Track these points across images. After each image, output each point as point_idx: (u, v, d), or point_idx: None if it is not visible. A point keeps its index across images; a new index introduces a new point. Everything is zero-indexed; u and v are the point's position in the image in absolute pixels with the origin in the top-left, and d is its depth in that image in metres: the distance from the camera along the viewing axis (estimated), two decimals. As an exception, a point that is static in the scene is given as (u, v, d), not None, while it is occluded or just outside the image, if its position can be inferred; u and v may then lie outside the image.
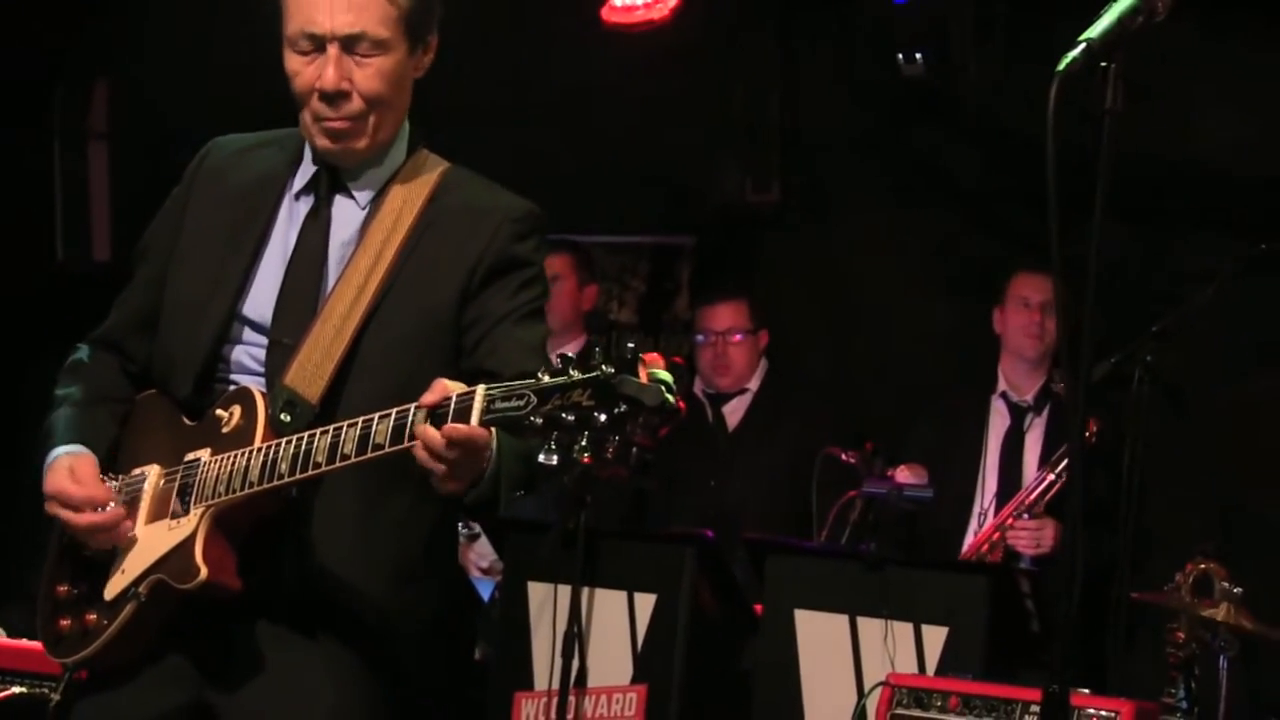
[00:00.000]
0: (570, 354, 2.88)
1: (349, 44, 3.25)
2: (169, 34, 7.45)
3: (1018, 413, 6.49)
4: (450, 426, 2.91)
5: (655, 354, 2.86)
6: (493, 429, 2.95)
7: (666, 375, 2.85)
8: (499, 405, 2.88)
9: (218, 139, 3.56)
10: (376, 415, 3.03)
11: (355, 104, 3.28)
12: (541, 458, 2.85)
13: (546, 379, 2.85)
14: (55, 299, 7.33)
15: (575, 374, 2.83)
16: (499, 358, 3.22)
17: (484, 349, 3.27)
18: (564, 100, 7.62)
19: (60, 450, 3.34)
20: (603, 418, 2.81)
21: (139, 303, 3.50)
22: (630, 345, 2.84)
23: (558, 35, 7.54)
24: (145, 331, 3.46)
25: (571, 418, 2.81)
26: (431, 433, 2.92)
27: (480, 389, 2.91)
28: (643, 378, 2.81)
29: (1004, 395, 6.52)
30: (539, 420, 2.83)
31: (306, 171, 3.41)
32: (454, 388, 2.95)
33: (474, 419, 2.90)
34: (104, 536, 3.29)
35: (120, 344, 3.51)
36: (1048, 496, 6.12)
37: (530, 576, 6.00)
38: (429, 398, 2.95)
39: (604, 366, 2.82)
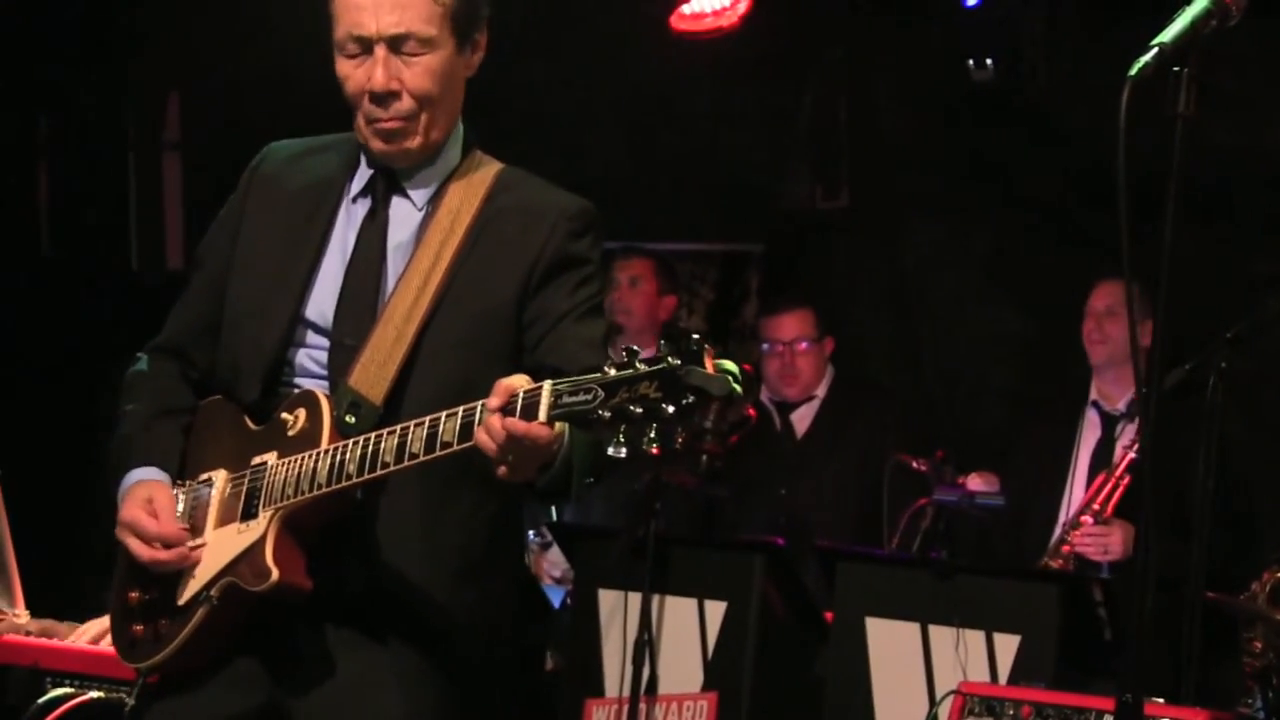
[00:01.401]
0: (633, 346, 2.89)
1: (396, 44, 3.28)
2: (240, 45, 7.50)
3: (1109, 422, 6.44)
4: (509, 421, 2.91)
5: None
6: None
7: (733, 366, 2.86)
8: (566, 400, 2.89)
9: (272, 144, 3.58)
10: (444, 414, 3.04)
11: (406, 103, 3.30)
12: (610, 450, 2.86)
13: (613, 372, 2.86)
14: (130, 308, 7.40)
15: (641, 366, 2.84)
16: (561, 354, 3.23)
17: (546, 346, 3.28)
18: (632, 107, 7.63)
19: (136, 475, 3.37)
20: (671, 409, 2.81)
21: (199, 309, 3.51)
22: (695, 336, 2.84)
23: (627, 42, 7.54)
24: (207, 338, 3.48)
25: (640, 410, 2.82)
26: (495, 423, 2.93)
27: (547, 384, 2.92)
28: (709, 368, 2.82)
29: (1095, 404, 6.48)
30: (607, 414, 2.84)
31: (363, 175, 3.43)
32: (519, 383, 2.95)
33: (541, 414, 2.90)
34: (169, 570, 3.32)
35: (182, 351, 3.52)
36: (1114, 500, 6.08)
37: (601, 584, 6.01)
38: (493, 401, 2.95)
39: (670, 358, 2.82)
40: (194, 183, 8.18)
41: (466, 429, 3.00)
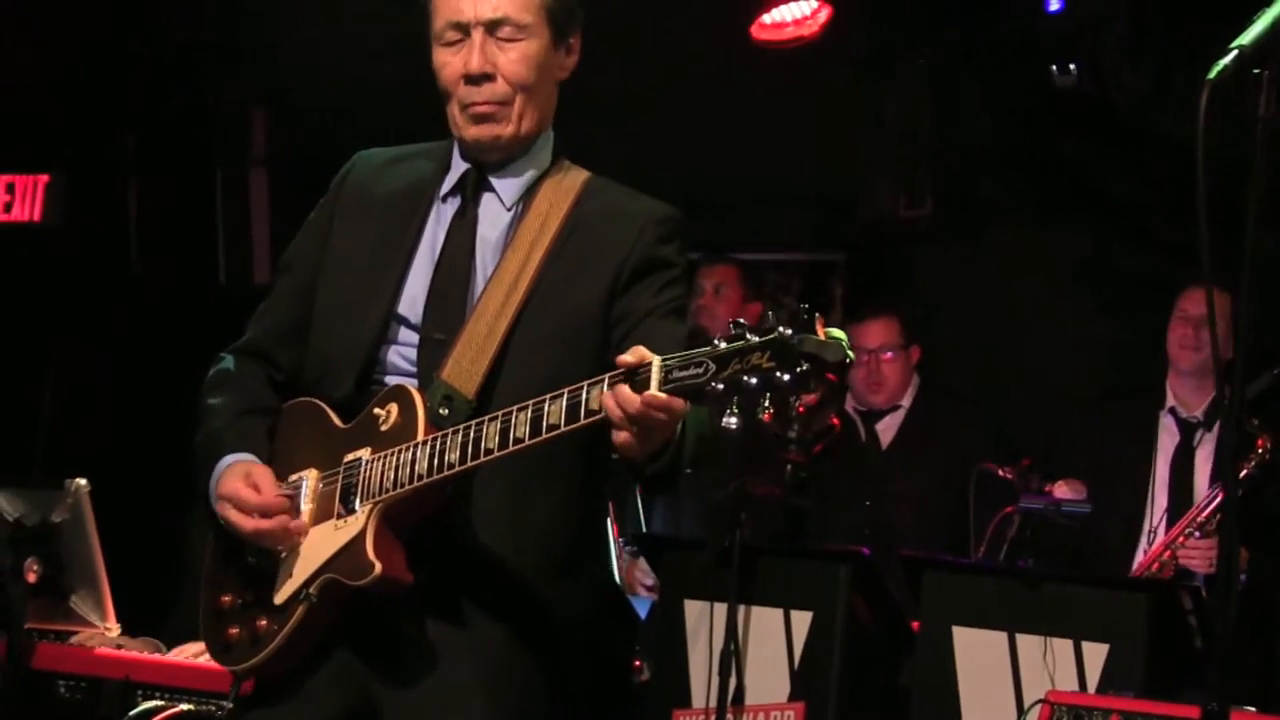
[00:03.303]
0: (740, 319, 2.90)
1: (493, 28, 3.35)
2: (325, 61, 7.56)
3: (1187, 429, 6.39)
4: (649, 394, 2.91)
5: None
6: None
7: (842, 334, 2.87)
8: (677, 374, 2.90)
9: (362, 152, 3.63)
10: (548, 397, 3.05)
11: (500, 86, 3.37)
12: (724, 420, 2.87)
13: (724, 345, 2.87)
14: (218, 321, 7.46)
15: (753, 337, 2.85)
16: (648, 348, 3.25)
17: (630, 342, 3.28)
18: (715, 117, 7.63)
19: (232, 458, 3.40)
20: (786, 377, 2.82)
21: (286, 313, 3.55)
22: (804, 305, 2.85)
23: (709, 52, 7.55)
24: (293, 341, 3.52)
25: (754, 380, 2.84)
26: (628, 393, 2.93)
27: (656, 359, 2.93)
28: (821, 335, 2.84)
29: (1172, 411, 6.43)
30: (720, 385, 2.86)
31: (454, 173, 3.48)
32: (649, 355, 2.95)
33: (653, 388, 2.91)
34: (271, 541, 3.34)
35: (267, 353, 3.56)
36: (1220, 514, 6.02)
37: (686, 594, 6.01)
38: (626, 358, 2.96)
39: (781, 328, 2.83)
40: (280, 198, 8.26)
41: (574, 410, 3.02)
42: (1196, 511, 6.08)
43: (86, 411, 8.14)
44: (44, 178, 8.31)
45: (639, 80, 7.41)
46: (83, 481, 5.18)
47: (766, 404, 2.84)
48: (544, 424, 3.05)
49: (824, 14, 7.34)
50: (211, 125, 8.35)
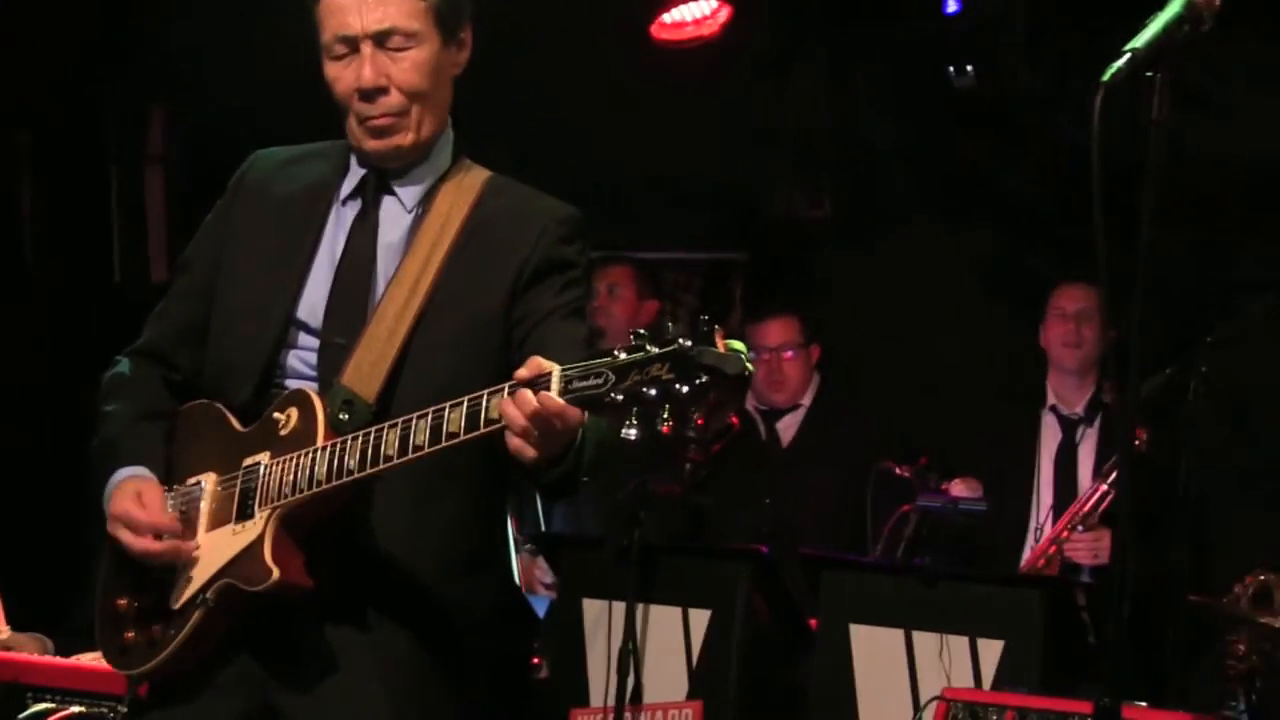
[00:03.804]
0: (641, 330, 2.90)
1: (381, 39, 3.32)
2: (222, 59, 7.49)
3: (1069, 426, 6.47)
4: (544, 396, 2.91)
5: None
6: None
7: (742, 345, 2.88)
8: (576, 385, 2.90)
9: (259, 151, 3.60)
10: (448, 404, 3.05)
11: (395, 98, 3.34)
12: (624, 431, 2.88)
13: (623, 356, 2.87)
14: (113, 320, 7.39)
15: (652, 349, 2.86)
16: (546, 350, 3.22)
17: (531, 342, 3.29)
18: (613, 117, 7.63)
19: (125, 472, 3.37)
20: (685, 389, 2.83)
21: (184, 313, 3.52)
22: (704, 318, 2.86)
23: (607, 51, 7.55)
24: (191, 342, 3.49)
25: (653, 391, 2.84)
26: (529, 398, 2.92)
27: (556, 368, 2.92)
28: (720, 347, 2.85)
29: (1054, 409, 6.51)
30: (619, 396, 2.86)
31: (354, 177, 3.46)
32: (547, 366, 2.95)
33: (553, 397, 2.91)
34: (162, 561, 3.32)
35: (164, 355, 3.53)
36: (1102, 507, 6.10)
37: (585, 593, 6.01)
38: (524, 372, 2.95)
39: (681, 339, 2.84)
40: (176, 196, 8.18)
41: (473, 418, 3.01)
42: (1079, 505, 6.15)
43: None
44: (-64, 175, 8.20)
45: (538, 78, 7.40)
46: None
47: (665, 415, 2.85)
48: (444, 432, 3.04)
49: (724, 14, 7.35)
50: (107, 122, 8.27)
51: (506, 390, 2.97)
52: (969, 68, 6.99)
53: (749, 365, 2.87)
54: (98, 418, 3.49)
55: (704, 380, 2.83)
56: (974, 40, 7.03)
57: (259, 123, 7.11)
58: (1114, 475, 6.08)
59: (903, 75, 7.53)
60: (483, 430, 3.00)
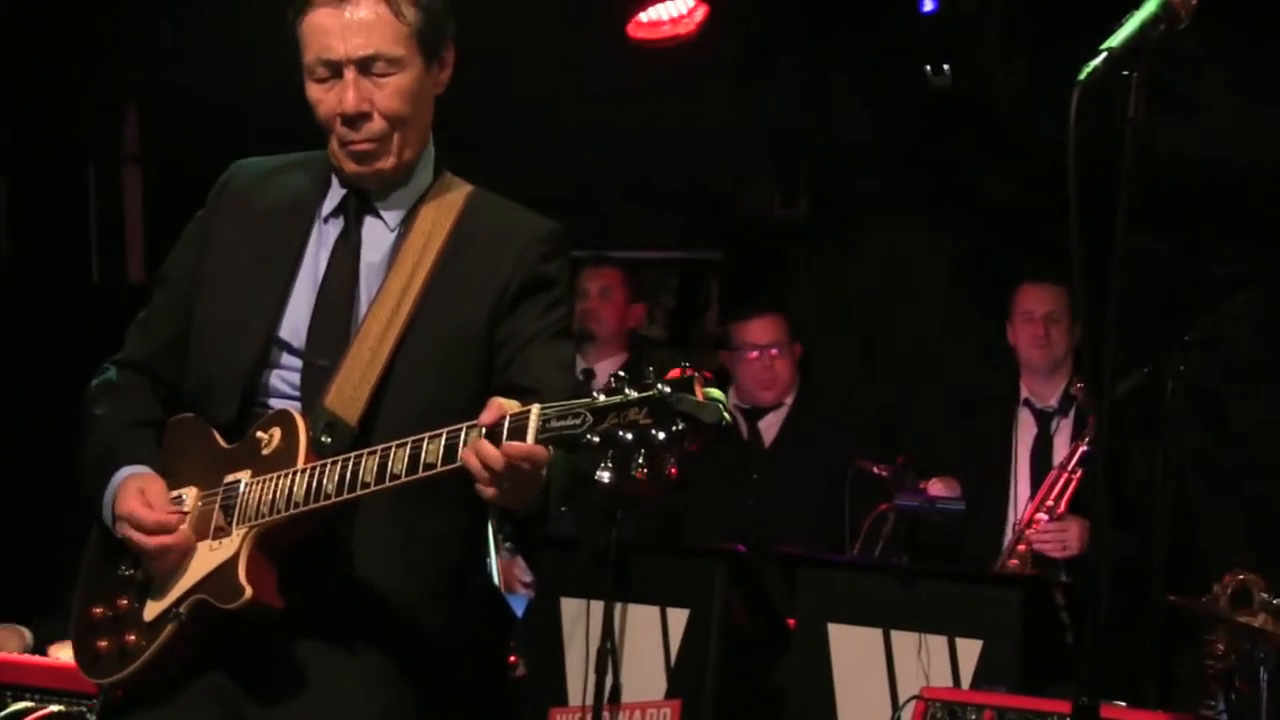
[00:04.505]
0: (621, 373, 2.91)
1: (365, 65, 3.29)
2: (200, 57, 7.48)
3: (1043, 418, 6.49)
4: (510, 444, 2.91)
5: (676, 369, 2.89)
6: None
7: (721, 395, 2.88)
8: (554, 424, 2.90)
9: (239, 162, 3.58)
10: (426, 435, 3.04)
11: (377, 124, 3.31)
12: (598, 474, 2.88)
13: (602, 398, 2.88)
14: (91, 319, 7.37)
15: (632, 393, 2.86)
16: (530, 375, 3.25)
17: (516, 366, 3.29)
18: (590, 116, 7.63)
19: (126, 471, 3.36)
20: (661, 435, 2.84)
21: (165, 327, 3.50)
22: (686, 365, 2.87)
23: (584, 52, 7.55)
24: (173, 355, 3.47)
25: (629, 436, 2.85)
26: (489, 449, 2.93)
27: (535, 408, 2.92)
28: (699, 396, 2.85)
29: (1027, 403, 6.53)
30: (595, 439, 2.86)
31: (335, 195, 3.43)
32: (509, 406, 2.96)
33: (529, 438, 2.91)
34: (171, 559, 3.31)
35: (151, 367, 3.51)
36: (1066, 496, 6.11)
37: (563, 592, 6.01)
38: (486, 417, 2.96)
39: (660, 386, 2.85)
40: (154, 195, 8.17)
41: (451, 451, 3.01)
42: (1041, 496, 6.16)
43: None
44: (-89, 175, 8.17)
45: (515, 79, 7.39)
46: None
47: (640, 461, 2.86)
48: (421, 463, 3.04)
49: (700, 13, 7.35)
50: (84, 121, 8.25)
51: (462, 438, 2.98)
52: (945, 67, 6.99)
53: (727, 415, 2.87)
54: (86, 421, 3.47)
55: (681, 428, 2.84)
56: (950, 39, 7.03)
57: (236, 122, 7.14)
58: (1073, 462, 6.11)
59: (879, 74, 7.54)
60: (459, 464, 3.00)
